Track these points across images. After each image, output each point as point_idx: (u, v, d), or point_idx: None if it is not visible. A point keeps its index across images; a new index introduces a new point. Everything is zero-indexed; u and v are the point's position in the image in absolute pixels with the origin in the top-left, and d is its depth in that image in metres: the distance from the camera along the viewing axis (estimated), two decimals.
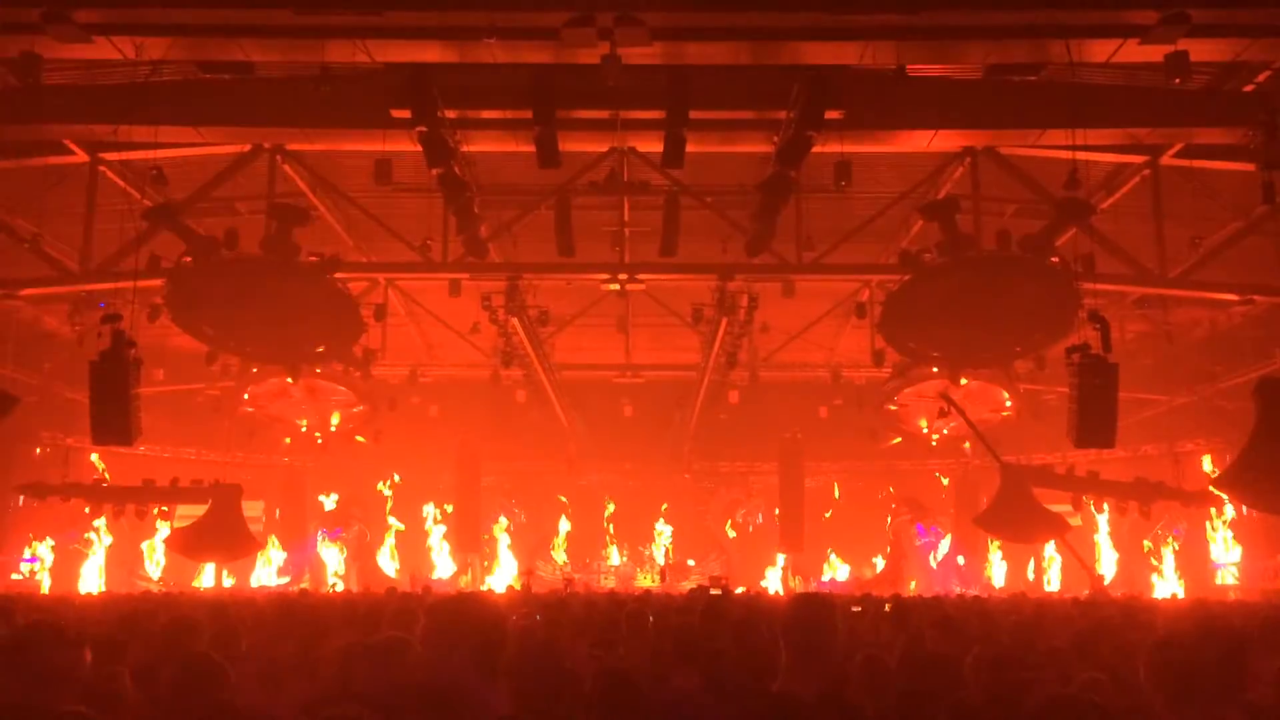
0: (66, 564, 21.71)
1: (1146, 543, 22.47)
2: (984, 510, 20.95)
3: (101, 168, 14.71)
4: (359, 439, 21.45)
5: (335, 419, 19.79)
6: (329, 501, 26.00)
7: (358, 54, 11.28)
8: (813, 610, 4.13)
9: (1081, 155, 12.60)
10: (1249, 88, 12.48)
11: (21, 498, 20.19)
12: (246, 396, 18.65)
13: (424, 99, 11.99)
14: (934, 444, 21.21)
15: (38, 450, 21.39)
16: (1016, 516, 19.62)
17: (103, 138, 13.78)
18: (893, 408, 19.75)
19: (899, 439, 22.34)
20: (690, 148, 12.50)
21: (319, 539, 25.64)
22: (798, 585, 24.27)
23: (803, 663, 3.93)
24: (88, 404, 12.96)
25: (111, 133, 13.07)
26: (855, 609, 8.13)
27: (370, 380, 19.01)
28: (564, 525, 27.06)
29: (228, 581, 23.60)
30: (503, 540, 26.24)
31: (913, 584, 21.93)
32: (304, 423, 19.93)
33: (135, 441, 13.34)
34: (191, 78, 12.61)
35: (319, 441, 20.76)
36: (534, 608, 8.20)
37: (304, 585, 21.47)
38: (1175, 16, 9.98)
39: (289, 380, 17.18)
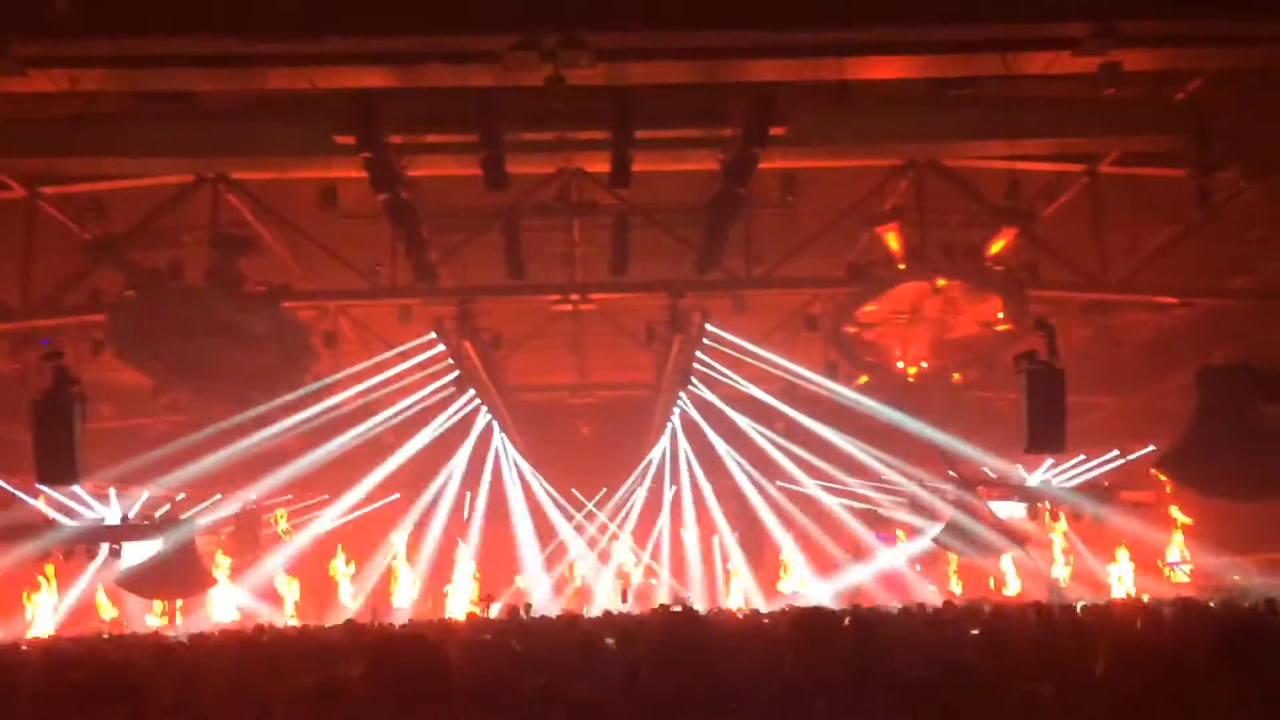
0: (13, 607, 21.16)
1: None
2: (943, 528, 21.16)
3: (40, 202, 14.45)
4: None
5: None
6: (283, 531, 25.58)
7: (300, 81, 11.21)
8: (819, 624, 4.18)
9: (1020, 165, 12.85)
10: (1181, 95, 12.81)
11: None
12: None
13: (368, 125, 11.94)
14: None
15: None
16: (975, 533, 19.89)
17: (40, 172, 13.56)
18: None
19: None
20: (637, 167, 12.57)
21: (276, 573, 25.21)
22: (760, 601, 24.29)
23: (808, 676, 3.97)
24: (31, 444, 12.70)
25: (49, 166, 12.86)
26: None
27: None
28: (525, 548, 26.84)
29: (180, 619, 23.12)
30: (463, 566, 25.98)
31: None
32: None
33: (81, 480, 13.09)
34: (130, 109, 12.45)
35: None
36: (489, 635, 8.13)
37: (260, 621, 21.09)
38: (1105, 29, 10.22)
39: None
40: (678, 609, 14.65)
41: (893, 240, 13.97)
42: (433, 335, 17.01)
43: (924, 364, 15.89)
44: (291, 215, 15.40)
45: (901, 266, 13.99)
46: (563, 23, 10.31)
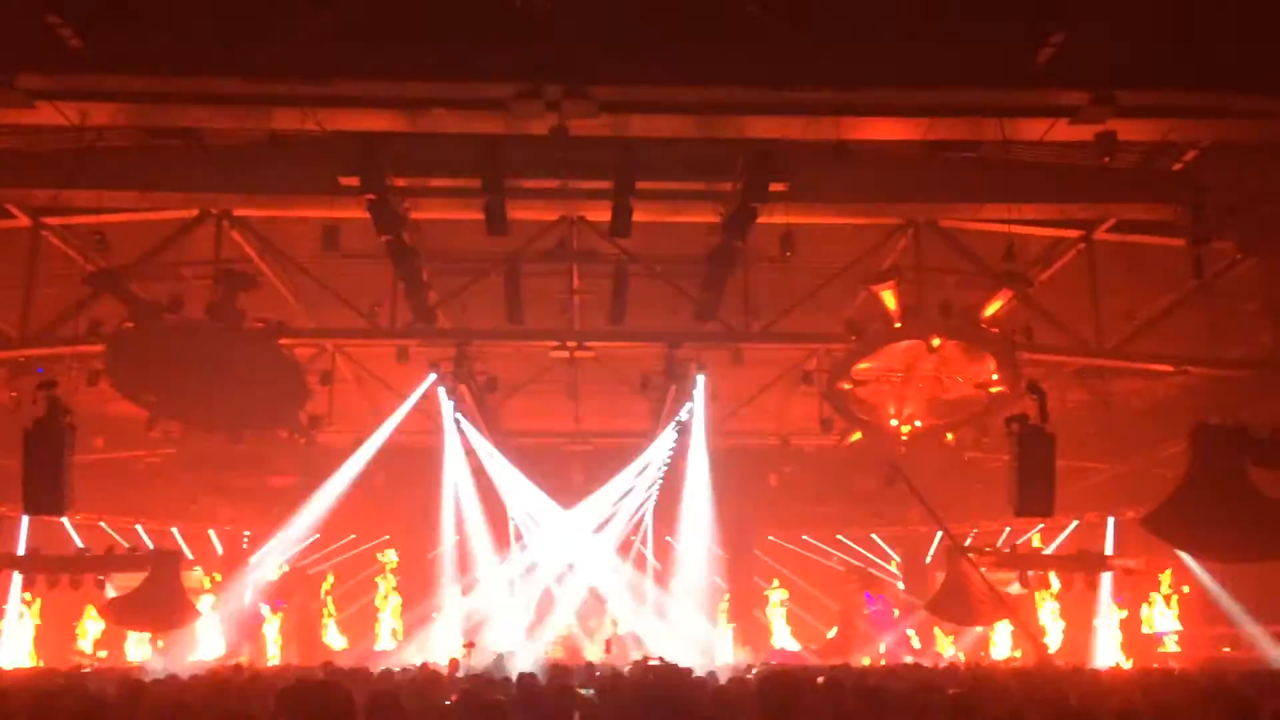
0: None
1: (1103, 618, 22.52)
2: (934, 596, 21.10)
3: (44, 233, 14.51)
4: None
5: None
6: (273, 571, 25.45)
7: (307, 122, 11.33)
8: (783, 687, 4.16)
9: (1018, 229, 12.93)
10: (1177, 166, 12.94)
11: None
12: None
13: (372, 167, 12.05)
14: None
15: None
16: (965, 600, 19.81)
17: (45, 202, 13.64)
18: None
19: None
20: (638, 217, 12.68)
21: (261, 610, 25.02)
22: (747, 655, 24.06)
23: None
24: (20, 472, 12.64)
25: (54, 197, 12.96)
26: None
27: (315, 447, 18.76)
28: (509, 592, 26.60)
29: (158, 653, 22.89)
30: (448, 609, 25.76)
31: (866, 659, 21.82)
32: None
33: (67, 511, 13.01)
34: (137, 143, 12.57)
35: None
36: (469, 685, 8.06)
37: (242, 659, 20.90)
38: (1103, 98, 10.36)
39: None
40: (655, 661, 14.54)
41: (889, 299, 13.96)
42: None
43: (918, 423, 15.62)
44: (293, 253, 15.48)
45: (898, 325, 13.89)
46: (567, 74, 10.45)
